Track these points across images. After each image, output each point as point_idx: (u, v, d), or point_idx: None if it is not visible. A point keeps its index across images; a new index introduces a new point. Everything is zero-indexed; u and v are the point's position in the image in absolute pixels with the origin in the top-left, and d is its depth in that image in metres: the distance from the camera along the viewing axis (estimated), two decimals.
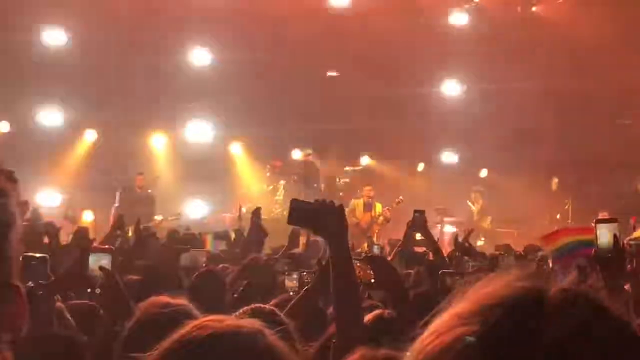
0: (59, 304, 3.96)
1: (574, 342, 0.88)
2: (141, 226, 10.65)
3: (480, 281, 0.99)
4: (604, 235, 3.28)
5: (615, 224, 3.35)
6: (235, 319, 1.73)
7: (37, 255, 4.42)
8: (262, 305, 3.31)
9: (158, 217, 15.52)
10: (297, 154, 18.68)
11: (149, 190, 16.77)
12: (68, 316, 3.90)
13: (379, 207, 16.53)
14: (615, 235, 3.31)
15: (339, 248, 3.23)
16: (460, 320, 0.93)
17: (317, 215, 3.24)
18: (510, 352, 0.88)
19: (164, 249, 7.50)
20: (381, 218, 16.43)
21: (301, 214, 3.29)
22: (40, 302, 3.54)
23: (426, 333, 0.97)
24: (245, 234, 8.47)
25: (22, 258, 4.97)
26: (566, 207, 20.06)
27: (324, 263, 3.96)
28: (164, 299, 2.87)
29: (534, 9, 20.42)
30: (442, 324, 0.96)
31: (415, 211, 6.64)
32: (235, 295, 4.77)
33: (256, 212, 8.01)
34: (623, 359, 0.89)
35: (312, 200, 3.34)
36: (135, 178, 16.68)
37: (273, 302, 4.29)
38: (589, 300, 0.93)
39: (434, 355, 0.93)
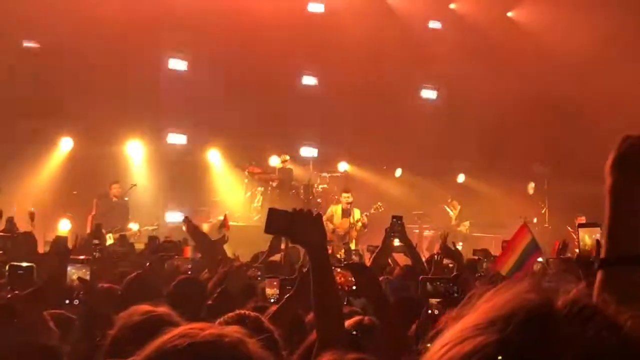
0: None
1: (592, 353, 0.90)
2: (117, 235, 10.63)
3: (489, 292, 1.00)
4: (586, 239, 3.31)
5: (598, 229, 3.38)
6: (217, 327, 1.72)
7: (24, 264, 4.41)
8: (247, 312, 3.30)
9: (134, 226, 15.37)
10: (274, 161, 18.64)
11: (126, 199, 16.66)
12: (52, 325, 3.88)
13: (357, 213, 16.53)
14: (597, 241, 3.34)
15: (317, 256, 3.24)
16: (477, 331, 0.93)
17: (294, 224, 3.25)
18: None
19: (149, 256, 7.44)
20: (359, 224, 16.43)
21: (279, 223, 3.30)
22: (24, 311, 3.52)
23: (439, 344, 0.97)
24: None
25: (9, 267, 4.96)
26: (543, 211, 20.22)
27: (304, 270, 3.96)
28: (145, 307, 2.85)
29: (509, 14, 20.58)
30: (457, 334, 0.95)
31: (393, 217, 6.65)
32: (209, 302, 4.76)
33: (188, 223, 7.94)
34: None
35: (289, 209, 3.35)
36: (110, 186, 16.53)
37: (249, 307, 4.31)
38: (598, 312, 0.95)
39: None
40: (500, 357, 0.89)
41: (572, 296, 0.96)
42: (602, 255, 1.74)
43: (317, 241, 3.24)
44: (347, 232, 16.26)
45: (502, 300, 0.96)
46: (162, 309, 2.82)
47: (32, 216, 9.74)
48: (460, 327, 0.96)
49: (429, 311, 4.35)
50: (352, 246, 14.17)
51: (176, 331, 1.65)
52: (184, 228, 8.23)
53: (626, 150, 1.79)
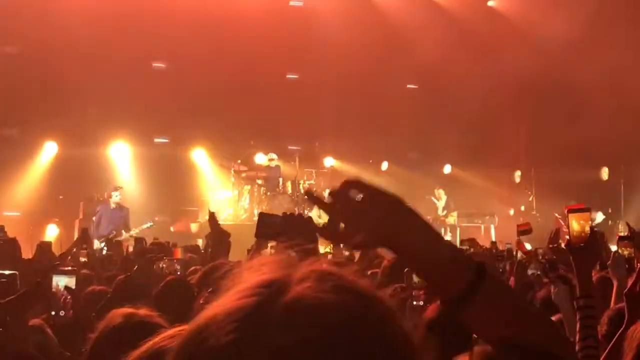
0: (38, 320, 3.91)
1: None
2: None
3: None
4: (576, 224, 3.28)
5: (588, 214, 3.36)
6: None
7: (6, 272, 4.37)
8: None
9: (134, 231, 15.12)
10: (260, 158, 18.60)
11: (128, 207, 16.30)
12: (49, 332, 3.85)
13: None
14: (591, 226, 3.32)
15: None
16: (223, 300, 1.00)
17: (285, 229, 3.24)
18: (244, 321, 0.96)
19: (136, 259, 7.40)
20: None
21: (270, 228, 3.29)
22: (3, 319, 3.48)
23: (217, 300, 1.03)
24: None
25: None
26: (530, 199, 20.29)
27: None
28: (126, 309, 2.83)
29: (490, 3, 20.61)
30: (229, 295, 1.02)
31: None
32: (202, 302, 4.73)
33: (212, 217, 7.98)
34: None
35: (279, 214, 3.34)
36: (110, 193, 16.04)
37: None
38: (329, 272, 1.02)
39: (192, 333, 1.00)
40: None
41: (309, 264, 1.03)
42: None
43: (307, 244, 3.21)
44: None
45: (261, 272, 1.03)
46: (144, 311, 2.80)
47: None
48: (222, 296, 1.01)
49: (414, 302, 4.36)
50: None
51: (167, 333, 1.64)
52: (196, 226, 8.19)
53: None
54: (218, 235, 7.39)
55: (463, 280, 1.38)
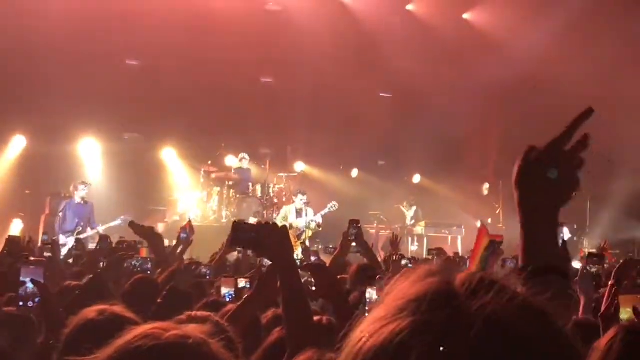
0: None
1: (497, 318, 0.96)
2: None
3: (388, 285, 1.05)
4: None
5: (564, 228, 3.42)
6: (180, 328, 1.70)
7: None
8: (196, 314, 3.29)
9: (101, 228, 14.97)
10: (231, 160, 18.56)
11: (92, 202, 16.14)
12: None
13: (310, 213, 16.59)
14: (564, 241, 3.38)
15: (286, 269, 3.26)
16: (388, 319, 0.97)
17: (259, 238, 3.27)
18: (442, 339, 0.93)
19: (105, 256, 7.36)
20: (313, 224, 16.49)
21: (243, 236, 3.32)
22: None
23: (355, 338, 1.00)
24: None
25: None
26: (497, 211, 20.45)
27: (264, 270, 3.96)
28: (100, 306, 2.84)
29: (465, 16, 20.76)
30: (370, 326, 0.99)
31: (350, 221, 6.69)
32: (159, 301, 4.74)
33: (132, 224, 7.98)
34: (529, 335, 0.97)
35: (254, 222, 3.37)
36: (77, 187, 15.89)
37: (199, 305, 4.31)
38: (495, 283, 1.01)
39: (369, 355, 0.96)
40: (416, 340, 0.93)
41: (465, 273, 1.03)
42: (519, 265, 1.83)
43: (281, 252, 3.26)
44: (301, 231, 16.29)
45: (405, 288, 1.01)
46: (117, 307, 2.81)
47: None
48: (371, 319, 1.00)
49: None
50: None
51: (139, 331, 1.63)
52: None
53: (530, 162, 1.89)
54: (151, 238, 7.40)
55: None
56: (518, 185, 1.89)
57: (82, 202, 15.49)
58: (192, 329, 1.68)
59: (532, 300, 1.02)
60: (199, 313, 3.32)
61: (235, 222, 3.38)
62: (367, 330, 0.98)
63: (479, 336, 0.93)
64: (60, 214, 15.46)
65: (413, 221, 19.24)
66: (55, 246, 8.49)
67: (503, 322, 0.95)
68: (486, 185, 21.37)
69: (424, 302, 0.97)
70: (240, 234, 3.31)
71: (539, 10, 19.26)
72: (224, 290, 5.37)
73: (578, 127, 1.88)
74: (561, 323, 1.02)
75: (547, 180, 1.83)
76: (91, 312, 2.79)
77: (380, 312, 0.99)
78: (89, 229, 15.11)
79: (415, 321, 0.95)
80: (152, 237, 7.34)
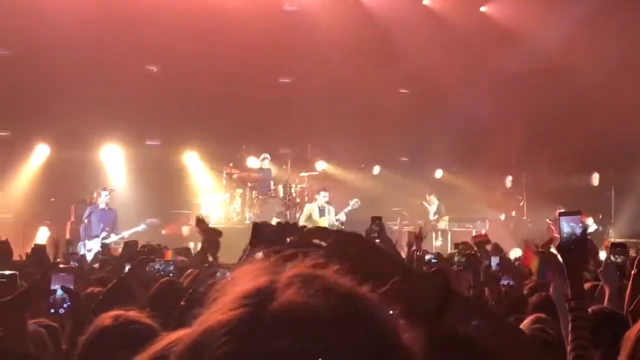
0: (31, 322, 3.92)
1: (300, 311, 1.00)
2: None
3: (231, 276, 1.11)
4: (567, 227, 3.32)
5: (579, 216, 3.40)
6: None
7: (7, 272, 4.38)
8: None
9: (125, 233, 15.11)
10: (252, 161, 18.60)
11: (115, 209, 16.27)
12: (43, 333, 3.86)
13: (332, 212, 16.61)
14: (584, 228, 3.37)
15: None
16: (213, 312, 1.04)
17: (280, 238, 3.27)
18: (240, 335, 0.99)
19: (128, 260, 7.41)
20: (337, 223, 16.50)
21: (264, 237, 3.32)
22: (4, 318, 3.49)
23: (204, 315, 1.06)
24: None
25: None
26: (521, 204, 20.34)
27: None
28: (116, 311, 2.86)
29: (482, 8, 20.66)
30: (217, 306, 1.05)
31: (372, 218, 6.69)
32: (182, 304, 4.76)
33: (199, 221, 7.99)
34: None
35: (271, 216, 3.40)
36: (100, 193, 16.07)
37: None
38: (315, 279, 1.04)
39: (188, 342, 1.04)
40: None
41: (293, 268, 1.07)
42: None
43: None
44: None
45: (241, 284, 1.06)
46: (133, 313, 2.82)
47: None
48: (221, 300, 1.05)
49: None
50: None
51: (172, 337, 1.63)
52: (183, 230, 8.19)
53: None
54: (209, 235, 7.43)
55: None
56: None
57: (107, 208, 15.64)
58: None
59: (342, 288, 1.03)
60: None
61: (254, 223, 3.39)
62: (199, 320, 1.05)
63: (269, 333, 0.97)
64: (85, 220, 15.61)
65: (436, 216, 19.18)
66: (81, 257, 8.56)
67: (296, 312, 0.99)
68: (509, 178, 21.26)
69: (239, 299, 1.02)
70: (260, 234, 3.32)
71: (557, 0, 19.14)
72: None
73: None
74: (379, 309, 1.04)
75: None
76: (106, 318, 2.80)
77: (218, 303, 1.05)
78: (112, 234, 15.24)
79: (230, 315, 1.01)
80: (214, 240, 7.36)
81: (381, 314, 1.05)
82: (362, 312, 1.02)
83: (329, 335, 0.97)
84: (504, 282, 6.49)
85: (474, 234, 18.26)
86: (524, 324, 4.33)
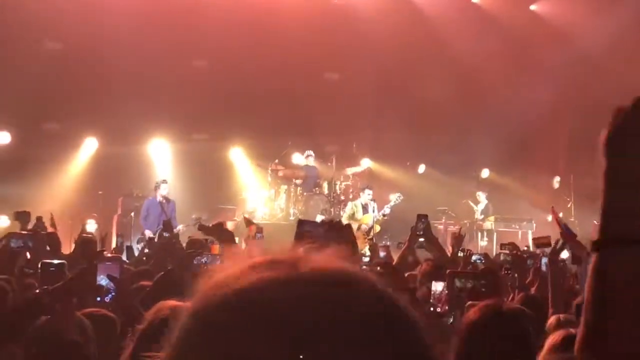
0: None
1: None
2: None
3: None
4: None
5: None
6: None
7: (55, 261, 4.44)
8: None
9: (180, 227, 15.21)
10: (298, 158, 18.64)
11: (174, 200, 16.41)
12: (85, 322, 3.90)
13: (376, 209, 16.58)
14: None
15: None
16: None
17: (323, 235, 3.28)
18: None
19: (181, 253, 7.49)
20: (381, 217, 16.47)
21: (307, 233, 3.33)
22: (52, 305, 3.54)
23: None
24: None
25: (41, 265, 5.01)
26: (569, 205, 20.07)
27: None
28: (173, 302, 2.86)
29: (532, 7, 20.44)
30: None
31: (418, 216, 6.66)
32: None
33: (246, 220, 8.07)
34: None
35: (315, 213, 3.41)
36: (160, 186, 16.07)
37: None
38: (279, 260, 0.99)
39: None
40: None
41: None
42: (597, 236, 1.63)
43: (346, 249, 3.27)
44: (371, 227, 16.28)
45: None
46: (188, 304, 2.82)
47: (52, 220, 9.76)
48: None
49: (431, 309, 4.37)
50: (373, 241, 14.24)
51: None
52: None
53: (622, 123, 1.69)
54: (219, 236, 7.47)
55: None
56: (609, 149, 1.70)
57: (164, 200, 15.78)
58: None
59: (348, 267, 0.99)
60: None
61: (300, 220, 3.40)
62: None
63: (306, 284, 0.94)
64: (143, 212, 15.83)
65: (482, 216, 19.02)
66: (129, 250, 8.63)
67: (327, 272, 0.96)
68: (557, 179, 21.00)
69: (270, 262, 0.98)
70: (304, 230, 3.33)
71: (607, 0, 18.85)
72: None
73: None
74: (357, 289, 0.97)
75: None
76: (165, 309, 2.81)
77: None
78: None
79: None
80: (221, 234, 7.41)
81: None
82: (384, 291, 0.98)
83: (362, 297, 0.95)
84: None
85: (519, 235, 18.15)
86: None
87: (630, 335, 1.44)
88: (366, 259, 10.05)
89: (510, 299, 5.14)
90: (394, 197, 16.65)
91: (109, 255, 5.39)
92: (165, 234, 9.72)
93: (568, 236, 6.23)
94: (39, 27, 17.42)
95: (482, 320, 2.67)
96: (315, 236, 3.34)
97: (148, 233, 14.91)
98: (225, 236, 7.34)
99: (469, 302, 3.94)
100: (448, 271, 4.53)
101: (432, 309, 4.37)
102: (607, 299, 1.49)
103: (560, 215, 18.92)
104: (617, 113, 1.69)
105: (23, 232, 7.82)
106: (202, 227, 7.44)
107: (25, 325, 3.65)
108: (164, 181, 16.20)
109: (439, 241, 7.22)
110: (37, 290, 4.13)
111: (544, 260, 6.97)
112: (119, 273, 4.07)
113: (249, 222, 8.11)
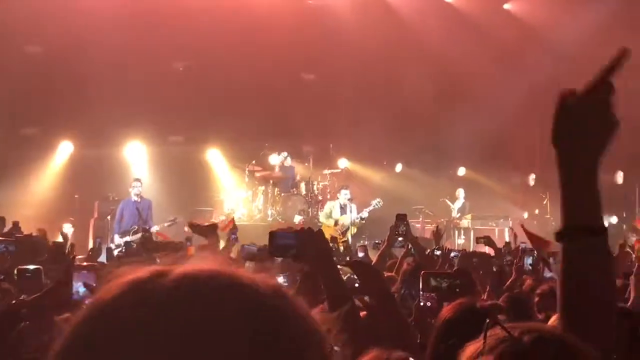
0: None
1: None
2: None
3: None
4: None
5: (611, 217, 3.42)
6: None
7: (31, 267, 4.41)
8: None
9: (155, 227, 15.17)
10: (274, 159, 18.61)
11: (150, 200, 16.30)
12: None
13: (354, 210, 16.58)
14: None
15: (325, 271, 3.30)
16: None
17: (296, 245, 3.29)
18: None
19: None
20: (358, 220, 16.49)
21: (281, 244, 3.34)
22: (30, 316, 3.52)
23: None
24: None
25: (17, 271, 4.98)
26: (544, 202, 20.21)
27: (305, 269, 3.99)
28: None
29: (506, 6, 20.55)
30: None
31: (397, 215, 6.70)
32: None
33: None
34: None
35: (293, 213, 3.42)
36: (131, 185, 15.92)
37: None
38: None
39: None
40: None
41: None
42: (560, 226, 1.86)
43: (320, 256, 3.30)
44: (347, 227, 16.28)
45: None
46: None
47: (65, 236, 9.67)
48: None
49: (421, 303, 4.39)
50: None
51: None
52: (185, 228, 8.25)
53: (566, 110, 1.86)
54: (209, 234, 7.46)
55: None
56: (557, 140, 1.87)
57: (138, 199, 15.68)
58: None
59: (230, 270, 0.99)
60: None
61: (272, 231, 3.39)
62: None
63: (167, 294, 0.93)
64: (117, 215, 15.71)
65: (459, 214, 19.10)
66: (108, 251, 8.60)
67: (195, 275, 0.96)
68: (532, 176, 21.15)
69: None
70: (277, 242, 3.33)
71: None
72: None
73: (614, 70, 1.87)
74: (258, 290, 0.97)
75: (584, 128, 1.82)
76: None
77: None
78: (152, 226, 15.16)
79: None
80: (212, 235, 7.39)
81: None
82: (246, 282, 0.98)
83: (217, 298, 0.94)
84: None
85: (496, 232, 18.26)
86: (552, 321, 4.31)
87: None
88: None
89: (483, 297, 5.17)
90: (374, 202, 16.62)
91: (85, 264, 5.34)
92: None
93: (542, 243, 6.33)
94: (16, 31, 17.29)
95: (456, 317, 2.70)
96: (289, 247, 3.34)
97: (117, 239, 14.81)
98: (214, 238, 7.34)
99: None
100: (422, 272, 4.56)
101: (422, 303, 4.40)
102: (573, 282, 1.73)
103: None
104: (561, 98, 1.87)
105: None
106: (193, 226, 7.41)
107: (5, 335, 3.63)
108: (137, 180, 16.10)
109: (418, 241, 7.26)
110: (14, 301, 4.09)
111: (528, 260, 7.04)
112: (95, 281, 4.05)
113: (204, 230, 8.03)
